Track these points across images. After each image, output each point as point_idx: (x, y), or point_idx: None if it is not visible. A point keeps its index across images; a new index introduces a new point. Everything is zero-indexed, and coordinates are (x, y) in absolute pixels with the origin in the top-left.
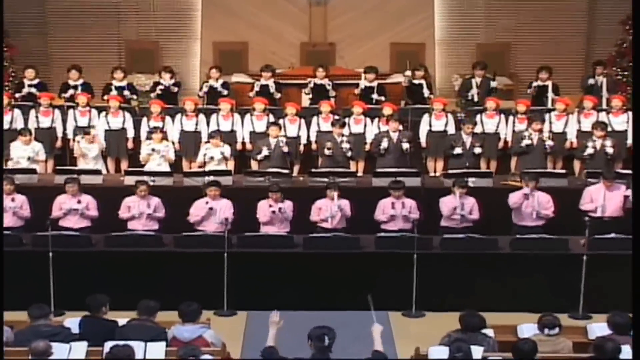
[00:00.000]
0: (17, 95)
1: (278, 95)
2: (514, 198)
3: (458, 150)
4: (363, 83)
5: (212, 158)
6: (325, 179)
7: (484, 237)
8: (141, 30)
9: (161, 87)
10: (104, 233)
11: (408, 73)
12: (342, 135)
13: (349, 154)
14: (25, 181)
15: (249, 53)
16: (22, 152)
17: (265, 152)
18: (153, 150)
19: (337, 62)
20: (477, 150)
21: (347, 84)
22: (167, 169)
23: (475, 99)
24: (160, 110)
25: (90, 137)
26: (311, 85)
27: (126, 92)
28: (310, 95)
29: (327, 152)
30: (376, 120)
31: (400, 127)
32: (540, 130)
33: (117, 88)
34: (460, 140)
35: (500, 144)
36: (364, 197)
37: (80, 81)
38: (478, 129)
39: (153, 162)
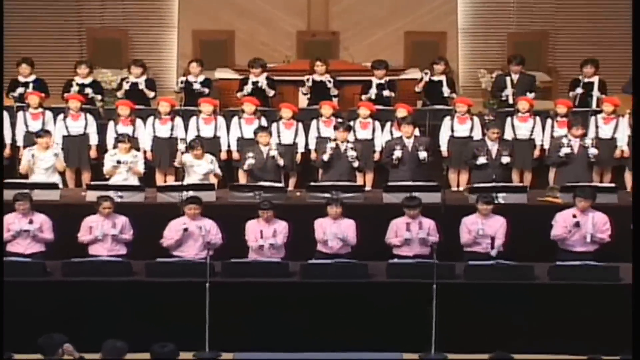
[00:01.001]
0: None
1: (271, 93)
2: (559, 228)
3: (482, 160)
4: (374, 82)
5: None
6: (327, 195)
7: (517, 265)
8: (106, 16)
9: (130, 84)
10: (61, 259)
11: (426, 78)
12: (347, 141)
13: (355, 164)
14: None
15: (236, 44)
16: None
17: (250, 160)
18: (119, 162)
19: (341, 55)
20: (505, 159)
21: (352, 81)
22: (135, 183)
23: (511, 101)
24: (130, 112)
25: (45, 141)
26: (309, 82)
27: (88, 90)
28: (309, 95)
29: (325, 156)
30: (388, 124)
31: (417, 133)
32: (582, 136)
33: (79, 86)
34: (484, 147)
35: (536, 153)
36: (373, 215)
37: (32, 77)
38: (509, 135)
39: (119, 175)
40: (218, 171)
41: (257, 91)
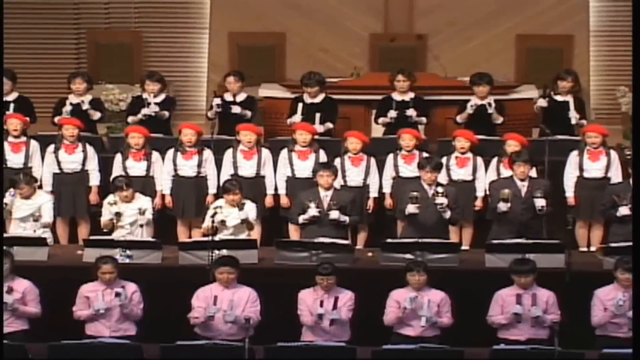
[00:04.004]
0: None
1: (329, 126)
2: None
3: (624, 211)
4: (473, 101)
5: (223, 223)
6: (409, 256)
7: None
8: (114, 14)
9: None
10: (49, 341)
11: (543, 103)
12: (437, 184)
13: (447, 214)
14: None
15: (287, 51)
16: None
17: (313, 212)
18: (118, 214)
19: (429, 67)
20: None
21: (444, 102)
22: (147, 237)
23: None
24: (144, 142)
25: (26, 189)
26: (387, 103)
27: (89, 111)
28: (387, 120)
29: (410, 209)
30: (494, 160)
31: (533, 173)
32: None
33: (74, 106)
34: (628, 193)
35: None
36: (471, 285)
37: (14, 95)
38: None
39: (121, 231)
40: (252, 215)
41: (312, 116)
